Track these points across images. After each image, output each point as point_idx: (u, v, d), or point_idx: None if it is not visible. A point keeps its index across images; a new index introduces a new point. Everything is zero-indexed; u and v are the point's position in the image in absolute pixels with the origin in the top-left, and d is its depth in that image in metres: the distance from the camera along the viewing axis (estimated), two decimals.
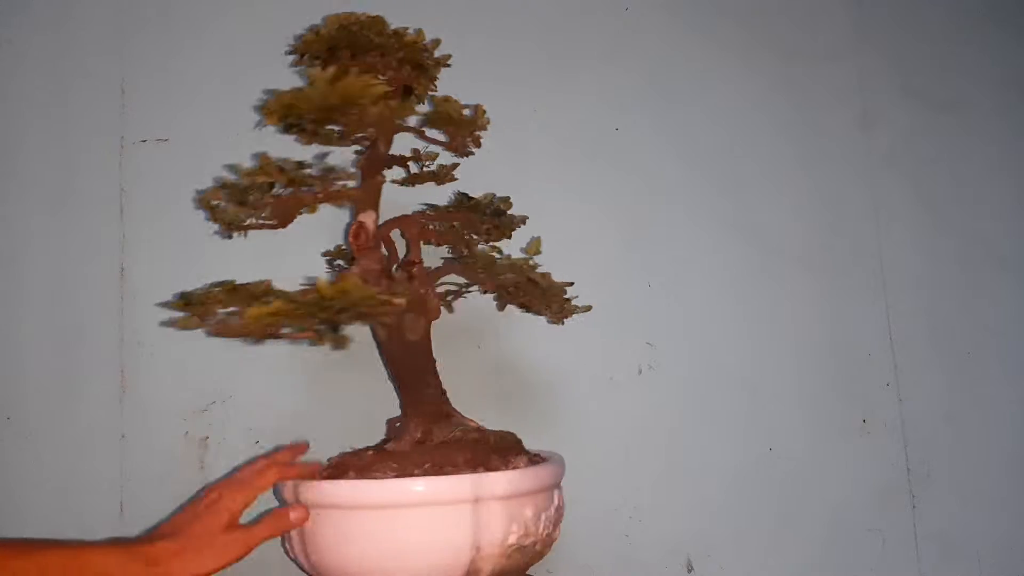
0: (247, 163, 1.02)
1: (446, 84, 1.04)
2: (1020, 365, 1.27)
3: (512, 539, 0.72)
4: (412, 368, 0.84)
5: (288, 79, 1.04)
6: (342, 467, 0.76)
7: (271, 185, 0.77)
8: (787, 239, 1.21)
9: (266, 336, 0.68)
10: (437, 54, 0.85)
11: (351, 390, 1.00)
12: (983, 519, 1.20)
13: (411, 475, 0.72)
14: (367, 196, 0.82)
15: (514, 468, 0.76)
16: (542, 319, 1.06)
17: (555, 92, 1.14)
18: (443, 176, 0.92)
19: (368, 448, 0.81)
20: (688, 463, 1.10)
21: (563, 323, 0.91)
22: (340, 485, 0.72)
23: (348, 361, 1.00)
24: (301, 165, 0.79)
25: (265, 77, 1.04)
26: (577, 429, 1.06)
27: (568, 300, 0.88)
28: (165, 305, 0.96)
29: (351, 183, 0.80)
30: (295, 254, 0.98)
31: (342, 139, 0.84)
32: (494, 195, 0.92)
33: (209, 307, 0.72)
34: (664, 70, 1.20)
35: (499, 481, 0.73)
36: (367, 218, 0.81)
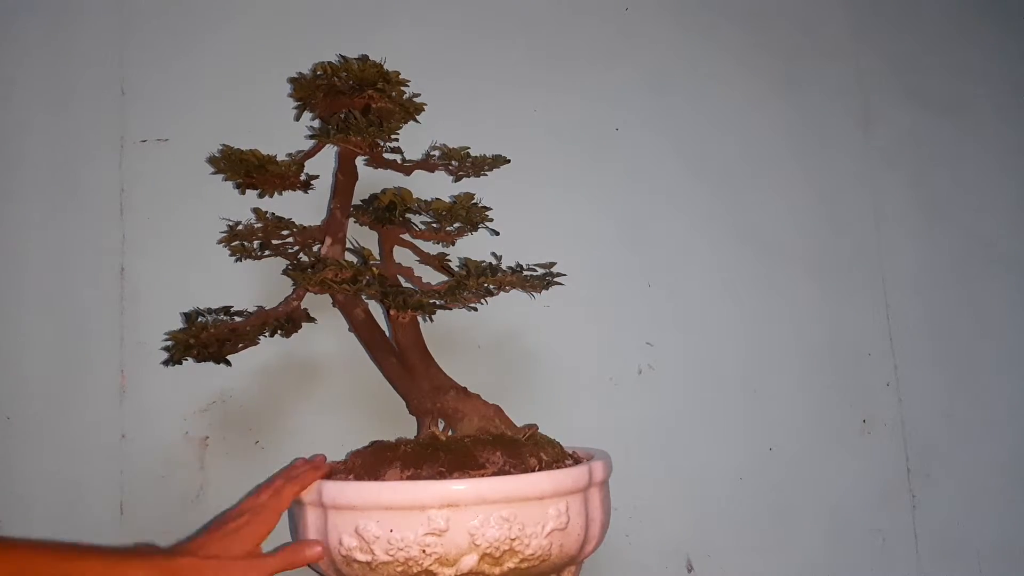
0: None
1: (446, 84, 1.04)
2: (1020, 365, 1.27)
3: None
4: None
5: (287, 77, 1.05)
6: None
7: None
8: (787, 239, 1.21)
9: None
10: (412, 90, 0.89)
11: (351, 390, 1.00)
12: (983, 519, 1.20)
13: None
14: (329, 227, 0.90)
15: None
16: (542, 319, 1.06)
17: (555, 92, 1.14)
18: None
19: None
20: (688, 463, 1.10)
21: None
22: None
23: (348, 361, 1.00)
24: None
25: (265, 77, 1.05)
26: (577, 429, 1.06)
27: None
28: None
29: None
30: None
31: None
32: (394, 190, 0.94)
33: None
34: (664, 70, 1.20)
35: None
36: (324, 246, 0.88)
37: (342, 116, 0.87)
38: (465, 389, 0.85)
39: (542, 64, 1.15)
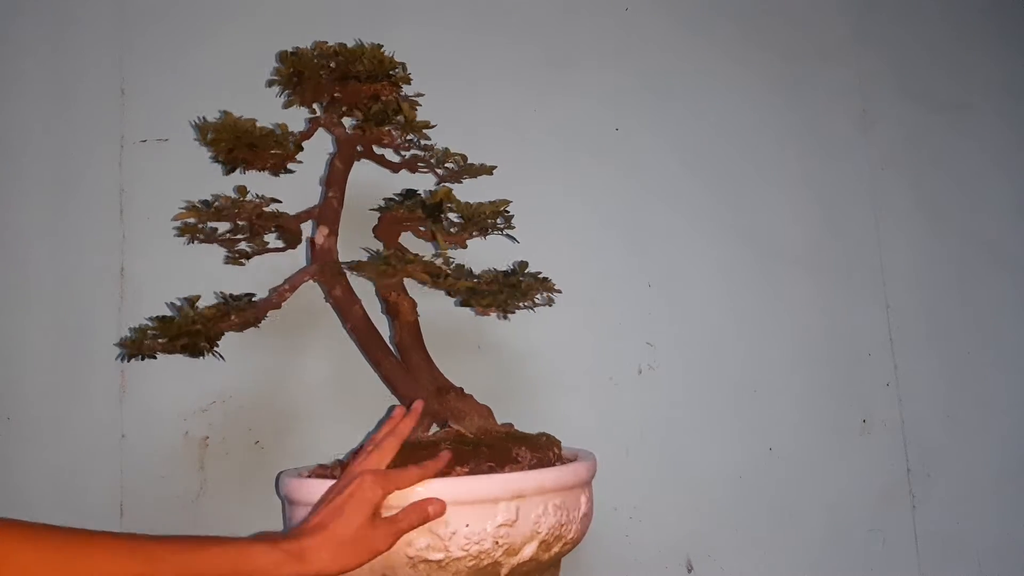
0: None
1: (446, 84, 1.04)
2: (1020, 365, 1.27)
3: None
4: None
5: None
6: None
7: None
8: (787, 239, 1.21)
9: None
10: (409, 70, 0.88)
11: (351, 390, 1.00)
12: (983, 519, 1.20)
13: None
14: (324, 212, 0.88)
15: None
16: (542, 319, 1.06)
17: (555, 92, 1.15)
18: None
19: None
20: (688, 463, 1.10)
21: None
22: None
23: (347, 361, 1.00)
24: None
25: (265, 77, 1.04)
26: (577, 429, 1.06)
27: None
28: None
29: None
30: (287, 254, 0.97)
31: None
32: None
33: None
34: (664, 71, 1.20)
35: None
36: (318, 235, 0.86)
37: (375, 106, 0.85)
38: (462, 389, 0.86)
39: (542, 64, 1.15)
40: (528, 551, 0.73)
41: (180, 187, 1.00)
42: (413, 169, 0.95)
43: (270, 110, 1.04)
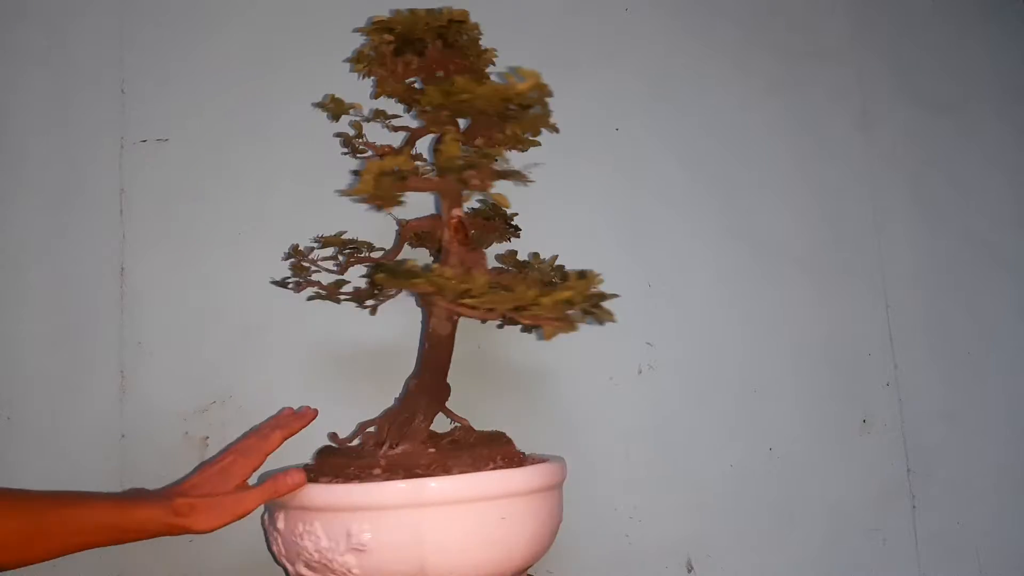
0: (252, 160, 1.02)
1: None
2: (1020, 365, 1.27)
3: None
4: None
5: (287, 78, 1.05)
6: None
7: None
8: (787, 239, 1.21)
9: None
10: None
11: (350, 390, 1.00)
12: (983, 519, 1.20)
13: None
14: (453, 189, 0.81)
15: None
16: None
17: (555, 92, 1.14)
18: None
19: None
20: (688, 463, 1.10)
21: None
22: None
23: (348, 361, 1.00)
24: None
25: (264, 77, 1.05)
26: (577, 429, 1.06)
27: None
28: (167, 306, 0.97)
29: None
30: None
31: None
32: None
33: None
34: (664, 71, 1.20)
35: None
36: (462, 212, 0.82)
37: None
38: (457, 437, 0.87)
39: (542, 64, 1.15)
40: None
41: (180, 187, 1.01)
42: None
43: (270, 109, 1.05)
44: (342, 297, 0.92)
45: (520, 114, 0.76)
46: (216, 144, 1.02)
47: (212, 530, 0.72)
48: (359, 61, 0.83)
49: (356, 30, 0.95)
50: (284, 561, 0.79)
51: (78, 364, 0.95)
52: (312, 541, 0.73)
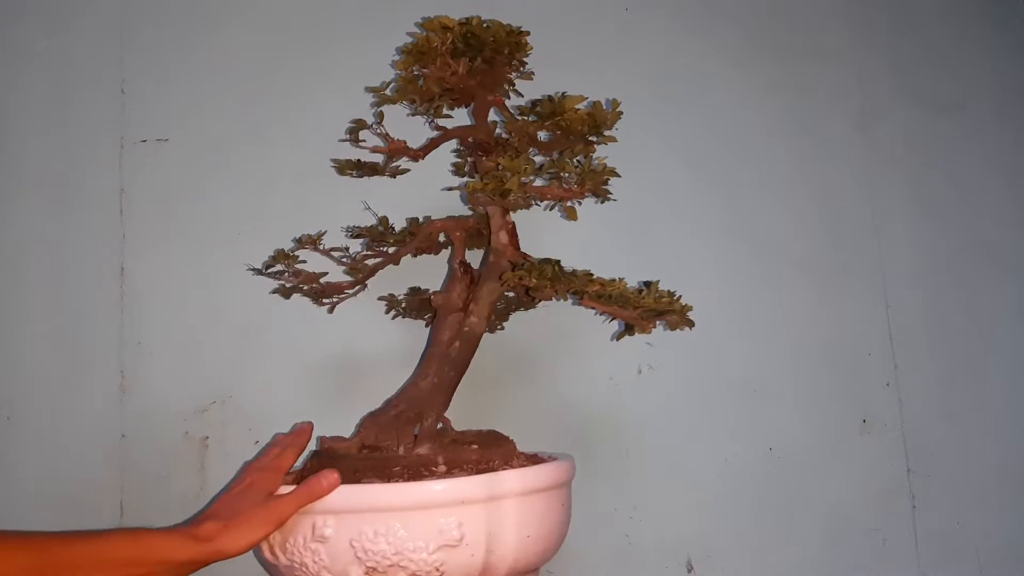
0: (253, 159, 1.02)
1: None
2: (1020, 365, 1.27)
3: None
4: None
5: (286, 78, 1.05)
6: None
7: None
8: (787, 239, 1.21)
9: None
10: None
11: (350, 391, 1.00)
12: (983, 519, 1.20)
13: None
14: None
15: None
16: (542, 318, 1.06)
17: (555, 92, 1.14)
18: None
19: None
20: (688, 463, 1.10)
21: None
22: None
23: (347, 361, 1.00)
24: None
25: (264, 77, 1.05)
26: (577, 429, 1.06)
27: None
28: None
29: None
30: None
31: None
32: None
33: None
34: (664, 71, 1.20)
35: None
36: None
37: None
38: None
39: (541, 64, 1.15)
40: None
41: (180, 187, 1.01)
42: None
43: (270, 110, 1.05)
44: (305, 289, 0.91)
45: (601, 139, 0.83)
46: (216, 144, 1.02)
47: (247, 548, 0.68)
48: (409, 54, 0.82)
49: (417, 23, 0.96)
50: (325, 574, 0.73)
51: (78, 364, 0.95)
52: (391, 543, 0.70)
